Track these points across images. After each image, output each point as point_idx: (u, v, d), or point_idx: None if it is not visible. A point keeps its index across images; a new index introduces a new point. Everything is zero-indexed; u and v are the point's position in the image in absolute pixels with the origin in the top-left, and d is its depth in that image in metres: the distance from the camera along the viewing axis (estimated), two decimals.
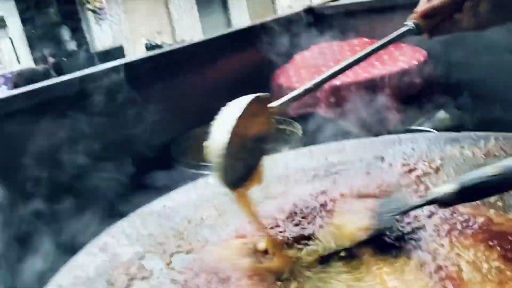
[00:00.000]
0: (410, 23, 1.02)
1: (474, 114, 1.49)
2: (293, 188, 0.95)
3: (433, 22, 1.03)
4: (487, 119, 1.35)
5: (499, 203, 0.79)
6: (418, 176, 0.90)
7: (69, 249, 0.80)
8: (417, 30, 1.03)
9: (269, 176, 0.99)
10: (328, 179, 0.95)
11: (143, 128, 1.42)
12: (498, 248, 0.66)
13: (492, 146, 0.95)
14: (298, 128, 1.43)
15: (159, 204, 0.94)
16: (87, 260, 0.76)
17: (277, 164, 1.04)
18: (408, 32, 1.03)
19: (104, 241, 0.81)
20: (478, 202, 0.80)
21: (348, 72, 1.77)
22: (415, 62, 1.77)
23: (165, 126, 1.44)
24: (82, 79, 1.35)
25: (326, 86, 1.67)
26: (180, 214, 0.90)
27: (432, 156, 0.97)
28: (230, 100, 0.77)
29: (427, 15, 1.01)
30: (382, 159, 1.00)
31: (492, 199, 0.80)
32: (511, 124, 1.15)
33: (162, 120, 1.44)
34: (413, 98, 1.70)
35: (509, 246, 0.66)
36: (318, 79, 1.00)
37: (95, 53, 9.60)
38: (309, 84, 0.97)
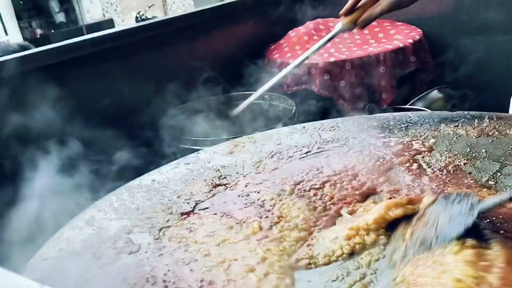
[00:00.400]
0: (338, 24, 1.22)
1: (468, 94, 1.49)
2: (285, 164, 0.93)
3: (356, 17, 1.20)
4: (480, 99, 1.34)
5: (491, 182, 0.79)
6: (411, 154, 0.89)
7: None
8: (344, 28, 1.21)
9: (262, 151, 0.99)
10: (321, 155, 0.94)
11: (131, 101, 1.40)
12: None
13: (486, 126, 0.95)
14: (291, 105, 1.42)
15: (148, 178, 0.92)
16: (73, 234, 0.75)
17: (270, 140, 1.03)
18: (339, 32, 1.23)
19: (90, 215, 0.80)
20: (470, 181, 0.80)
21: (343, 49, 1.76)
22: (410, 41, 1.75)
23: (156, 100, 1.41)
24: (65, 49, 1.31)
25: (320, 63, 1.66)
26: (169, 188, 0.89)
27: (426, 134, 0.97)
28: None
29: (347, 13, 1.21)
30: (376, 137, 0.99)
31: (484, 178, 0.80)
32: (504, 104, 1.15)
33: (152, 94, 1.42)
34: (407, 76, 1.69)
35: (499, 224, 0.65)
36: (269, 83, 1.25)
37: (84, 25, 9.43)
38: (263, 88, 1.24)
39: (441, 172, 0.83)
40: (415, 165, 0.86)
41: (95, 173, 1.21)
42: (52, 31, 9.49)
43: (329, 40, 1.25)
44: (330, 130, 1.04)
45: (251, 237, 0.72)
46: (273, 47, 1.89)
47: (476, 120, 0.97)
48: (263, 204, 0.79)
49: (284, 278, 0.63)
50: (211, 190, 0.87)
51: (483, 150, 0.87)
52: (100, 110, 1.33)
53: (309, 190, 0.81)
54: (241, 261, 0.66)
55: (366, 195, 0.79)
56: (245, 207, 0.79)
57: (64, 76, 1.26)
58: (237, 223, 0.75)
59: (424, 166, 0.86)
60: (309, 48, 1.78)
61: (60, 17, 10.12)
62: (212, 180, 0.90)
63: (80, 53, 1.29)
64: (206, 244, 0.71)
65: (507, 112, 1.16)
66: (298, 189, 0.82)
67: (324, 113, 1.20)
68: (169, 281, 0.64)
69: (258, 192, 0.83)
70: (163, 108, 1.45)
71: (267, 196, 0.81)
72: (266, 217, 0.76)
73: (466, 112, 1.00)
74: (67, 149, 1.23)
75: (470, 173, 0.82)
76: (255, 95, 1.24)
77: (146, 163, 1.10)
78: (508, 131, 0.91)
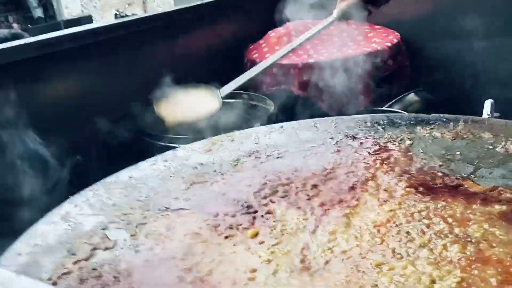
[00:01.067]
0: (334, 14, 1.26)
1: (444, 97, 1.51)
2: (263, 163, 0.93)
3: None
4: (456, 103, 1.37)
5: (473, 176, 0.81)
6: (388, 155, 0.90)
7: None
8: (338, 19, 1.25)
9: (240, 150, 0.99)
10: (299, 155, 0.94)
11: (109, 97, 1.38)
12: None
13: (461, 129, 0.97)
14: (270, 105, 1.42)
15: (125, 174, 0.91)
16: (48, 229, 0.74)
17: (248, 139, 1.03)
18: (332, 22, 1.26)
19: (66, 210, 0.79)
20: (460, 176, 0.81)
21: (322, 51, 1.78)
22: (388, 44, 1.78)
23: (134, 97, 1.40)
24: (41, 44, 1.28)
25: (300, 64, 1.67)
26: (147, 185, 0.88)
27: (402, 136, 0.98)
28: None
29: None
30: (353, 137, 1.00)
31: (468, 170, 0.82)
32: (478, 108, 1.17)
33: (130, 91, 1.41)
34: (384, 79, 1.71)
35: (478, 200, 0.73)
36: (259, 66, 1.24)
37: (62, 21, 9.28)
38: (251, 72, 1.23)
39: (417, 173, 0.84)
40: (394, 167, 0.87)
41: (71, 169, 1.20)
42: (29, 26, 9.32)
43: (324, 28, 1.28)
44: (308, 130, 1.04)
45: (248, 240, 0.70)
46: (252, 47, 1.89)
47: (451, 123, 0.98)
48: (245, 204, 0.79)
49: (296, 277, 0.62)
50: (188, 188, 0.87)
51: (458, 153, 0.89)
52: (77, 106, 1.31)
53: (293, 191, 0.81)
54: (239, 262, 0.65)
55: (347, 197, 0.80)
56: (225, 206, 0.79)
57: (41, 71, 1.24)
58: (226, 225, 0.74)
59: (402, 166, 0.87)
60: None
61: (38, 12, 9.94)
62: (190, 178, 0.90)
63: (58, 48, 1.27)
64: (185, 242, 0.71)
65: (481, 116, 1.18)
66: (280, 190, 0.82)
67: (302, 113, 1.20)
68: (145, 278, 0.64)
69: (238, 191, 0.83)
70: (141, 105, 1.44)
71: (248, 196, 0.81)
72: (253, 217, 0.75)
73: (442, 115, 1.02)
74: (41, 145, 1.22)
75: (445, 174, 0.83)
76: (245, 76, 1.26)
77: (123, 160, 1.09)
78: (482, 134, 0.93)
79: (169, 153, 0.99)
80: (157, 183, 0.89)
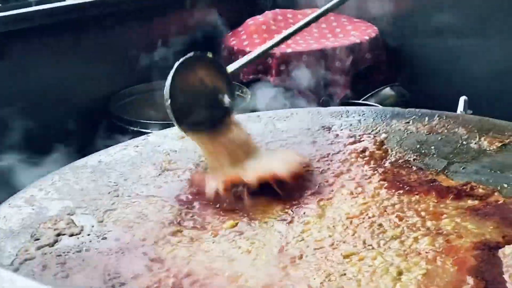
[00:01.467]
0: None
1: (419, 93, 1.52)
2: None
3: None
4: (431, 98, 1.38)
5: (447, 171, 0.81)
6: (363, 148, 0.90)
7: None
8: None
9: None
10: (274, 145, 0.93)
11: (80, 79, 1.34)
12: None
13: (436, 124, 0.97)
14: (247, 93, 1.41)
15: (94, 159, 0.88)
16: (11, 212, 0.71)
17: None
18: None
19: (31, 194, 0.76)
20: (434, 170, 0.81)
21: (300, 41, 1.77)
22: (367, 38, 1.78)
23: (106, 80, 1.36)
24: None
25: (277, 53, 1.66)
26: (116, 170, 0.85)
27: (378, 129, 0.98)
28: (176, 59, 0.76)
29: None
30: (329, 129, 0.99)
31: (442, 165, 0.82)
32: (453, 104, 1.18)
33: (103, 74, 1.37)
34: (361, 72, 1.72)
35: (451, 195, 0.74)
36: (267, 44, 1.05)
37: (34, 1, 9.06)
38: (259, 50, 1.03)
39: (392, 166, 0.84)
40: (369, 160, 0.87)
41: (38, 153, 1.16)
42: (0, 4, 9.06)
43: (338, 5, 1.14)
44: (285, 120, 1.03)
45: (227, 230, 0.69)
46: (230, 34, 1.87)
47: (426, 118, 0.98)
48: (222, 193, 0.76)
49: (274, 266, 0.61)
50: (160, 175, 0.85)
51: (432, 147, 0.89)
52: (45, 87, 1.27)
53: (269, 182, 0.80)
54: (215, 252, 0.64)
55: (321, 189, 0.79)
56: (200, 195, 0.77)
57: (8, 47, 1.20)
58: (202, 215, 0.73)
59: (377, 159, 0.87)
60: (267, 37, 1.78)
61: None
62: (162, 164, 0.88)
63: (27, 25, 1.23)
64: (156, 230, 0.69)
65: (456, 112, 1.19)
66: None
67: (278, 103, 1.19)
68: (112, 265, 0.62)
69: (213, 180, 0.81)
70: (113, 89, 1.41)
71: (224, 185, 0.79)
72: (230, 208, 0.74)
73: (417, 110, 1.02)
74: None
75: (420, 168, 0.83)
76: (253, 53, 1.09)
77: (93, 144, 1.06)
78: (456, 129, 0.93)
79: (140, 139, 0.97)
80: (127, 169, 0.86)
